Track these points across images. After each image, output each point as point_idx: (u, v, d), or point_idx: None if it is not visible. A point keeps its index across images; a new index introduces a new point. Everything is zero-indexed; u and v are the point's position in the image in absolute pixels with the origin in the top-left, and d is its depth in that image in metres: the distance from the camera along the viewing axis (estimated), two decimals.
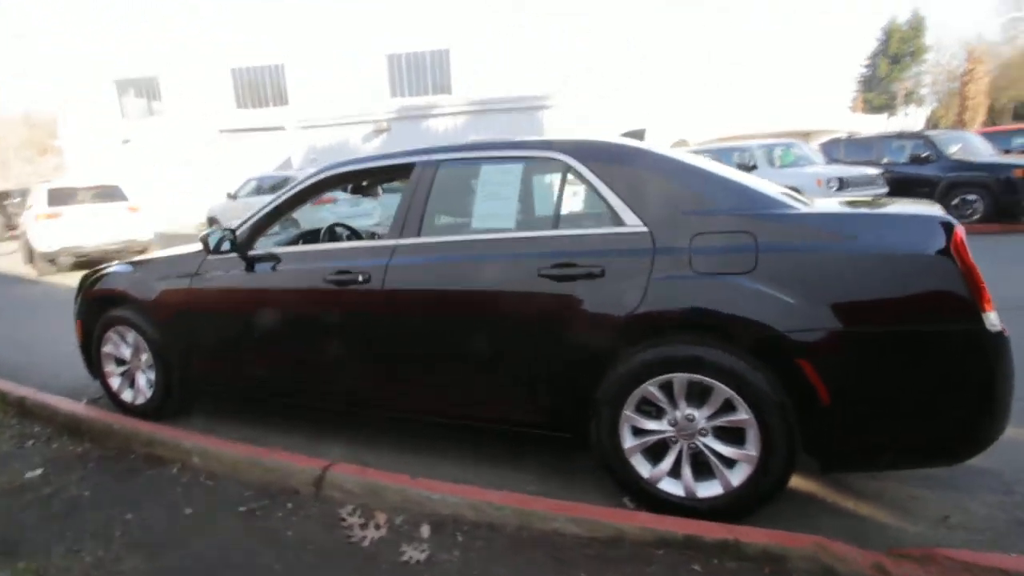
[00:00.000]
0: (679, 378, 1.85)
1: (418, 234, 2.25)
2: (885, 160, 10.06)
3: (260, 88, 20.43)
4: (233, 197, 11.79)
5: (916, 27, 48.20)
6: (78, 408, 3.00)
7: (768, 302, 1.71)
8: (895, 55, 48.61)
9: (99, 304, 3.06)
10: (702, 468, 1.91)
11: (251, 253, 2.61)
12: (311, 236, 3.03)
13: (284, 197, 2.61)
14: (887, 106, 46.65)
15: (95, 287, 3.07)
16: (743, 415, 1.78)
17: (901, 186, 9.06)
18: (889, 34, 48.89)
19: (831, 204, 2.07)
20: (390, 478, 2.10)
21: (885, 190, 8.72)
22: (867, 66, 51.39)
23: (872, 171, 8.77)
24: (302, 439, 2.72)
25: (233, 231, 2.59)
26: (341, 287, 2.30)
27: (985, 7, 51.09)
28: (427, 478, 2.13)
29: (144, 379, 3.02)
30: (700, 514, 1.87)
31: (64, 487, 2.34)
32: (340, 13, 18.51)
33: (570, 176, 2.08)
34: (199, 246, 2.88)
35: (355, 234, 3.12)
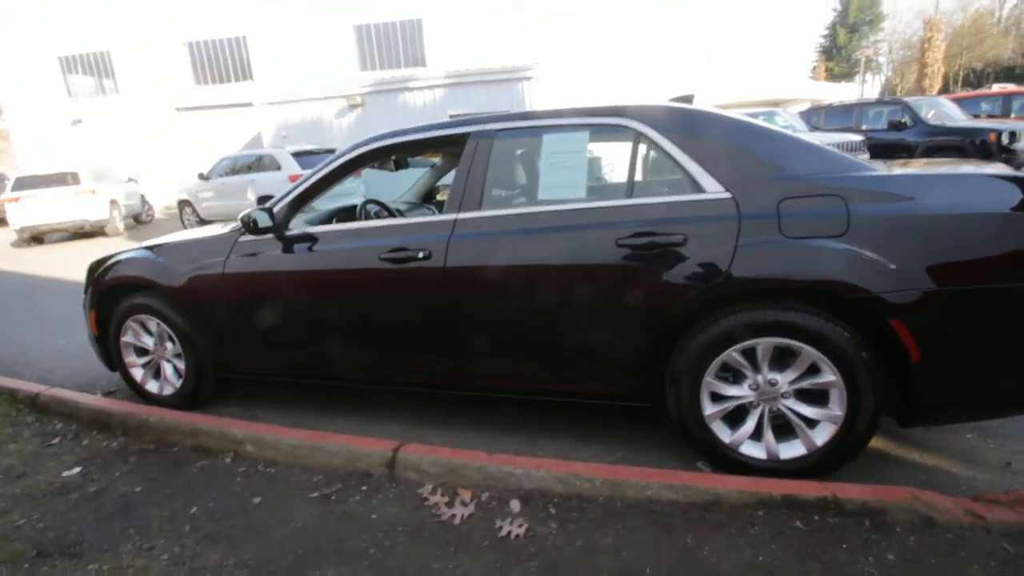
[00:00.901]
0: (764, 343, 1.85)
1: (479, 207, 2.17)
2: (864, 127, 10.30)
3: (220, 63, 19.38)
4: (205, 178, 11.24)
5: None
6: (103, 402, 2.84)
7: (861, 264, 1.72)
8: (853, 24, 49.58)
9: (115, 293, 2.88)
10: (782, 429, 1.95)
11: (289, 233, 2.48)
12: (344, 215, 2.90)
13: (323, 172, 2.48)
14: (847, 74, 47.70)
15: (108, 275, 2.88)
16: (830, 376, 1.80)
17: (881, 151, 9.30)
18: (847, 3, 49.76)
19: (908, 167, 2.08)
20: (467, 455, 2.06)
21: (867, 155, 8.94)
22: (826, 35, 52.24)
23: (856, 137, 8.96)
24: (348, 422, 2.65)
25: (270, 210, 2.45)
26: (399, 264, 2.21)
27: None
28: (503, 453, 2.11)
29: (171, 369, 2.88)
30: (783, 475, 1.90)
31: (111, 484, 2.22)
32: None
33: (642, 143, 2.03)
34: (227, 228, 2.73)
35: (388, 211, 3.00)
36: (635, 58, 22.15)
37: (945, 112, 9.87)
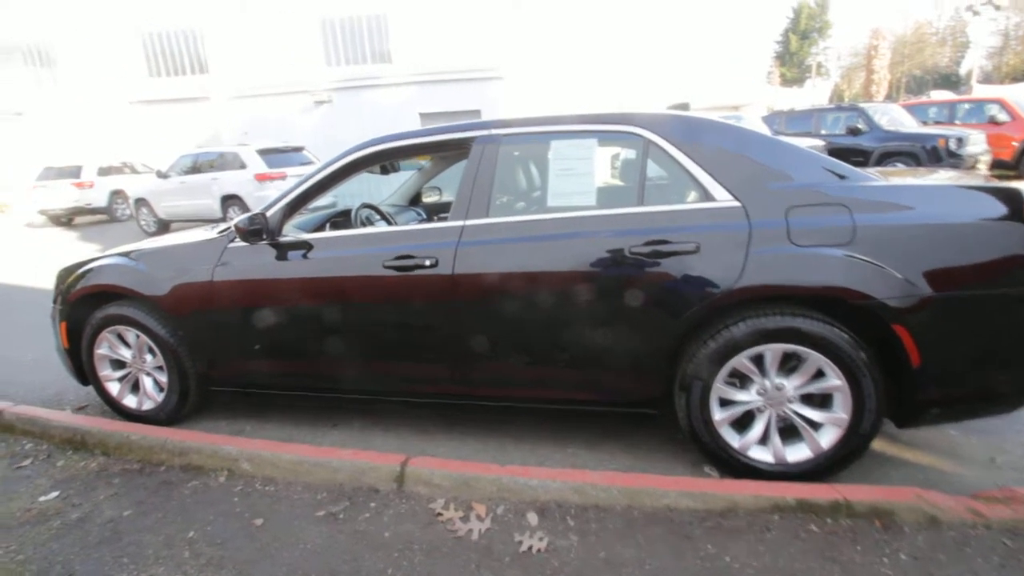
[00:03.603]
0: (773, 349, 1.90)
1: (487, 214, 2.14)
2: (823, 132, 10.73)
3: (175, 55, 18.54)
4: (164, 176, 10.72)
5: (822, 4, 51.46)
6: (77, 419, 2.67)
7: (867, 272, 1.78)
8: (804, 31, 51.74)
9: (88, 302, 2.70)
10: (787, 433, 2.00)
11: (284, 239, 2.39)
12: (337, 220, 2.81)
13: (319, 176, 2.39)
14: (799, 79, 49.72)
15: (81, 283, 2.70)
16: (835, 381, 1.86)
17: (839, 155, 9.67)
18: (798, 11, 51.91)
19: (907, 177, 2.16)
20: (479, 468, 2.03)
21: None
22: (780, 42, 54.35)
23: (818, 142, 9.32)
24: (344, 436, 2.58)
25: (263, 215, 2.35)
26: (404, 272, 2.16)
27: None
28: (514, 464, 2.09)
29: (151, 382, 2.72)
30: (790, 478, 1.96)
31: (95, 509, 2.09)
32: None
33: (651, 151, 2.04)
34: (213, 233, 2.60)
35: (384, 217, 2.92)
36: (600, 61, 22.44)
37: (897, 118, 10.40)
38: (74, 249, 9.30)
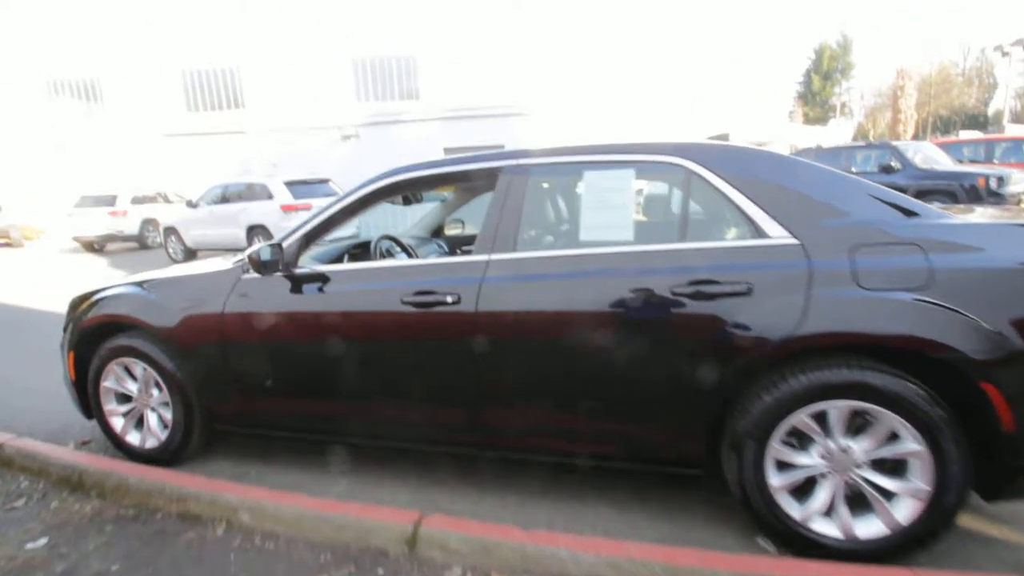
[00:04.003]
0: (839, 406, 1.67)
1: (514, 248, 1.99)
2: (853, 169, 10.48)
3: (213, 91, 19.35)
4: (194, 206, 10.96)
5: (844, 46, 51.94)
6: (76, 456, 2.53)
7: (948, 320, 1.56)
8: (826, 72, 52.07)
9: (97, 332, 2.60)
10: (857, 503, 1.74)
11: (299, 271, 2.27)
12: (356, 252, 2.69)
13: (338, 206, 2.28)
14: (822, 118, 49.74)
15: (92, 312, 2.61)
16: (913, 445, 1.62)
17: None
18: (820, 53, 52.40)
19: (983, 215, 1.95)
20: (501, 532, 1.81)
21: None
22: (801, 82, 54.73)
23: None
24: (353, 483, 2.38)
25: (279, 246, 2.24)
26: (424, 309, 2.00)
27: (907, 28, 55.40)
28: (536, 528, 1.86)
29: (155, 419, 2.58)
30: (860, 557, 1.69)
31: (82, 560, 1.92)
32: (301, 16, 17.80)
33: (694, 183, 1.88)
34: (228, 263, 2.50)
35: (404, 249, 2.80)
36: (624, 96, 22.74)
37: (932, 156, 10.12)
38: (101, 274, 9.47)
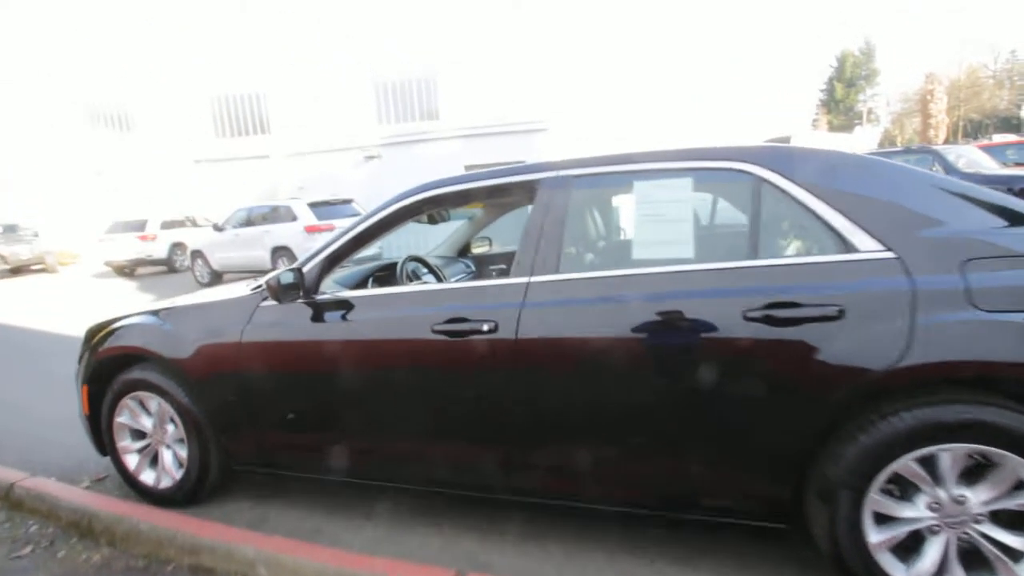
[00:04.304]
0: (953, 449, 1.39)
1: (557, 269, 1.77)
2: None
3: (240, 117, 19.85)
4: (220, 229, 11.07)
5: (868, 53, 51.10)
6: (87, 499, 2.38)
7: None
8: (849, 79, 51.21)
9: (112, 364, 2.46)
10: (973, 562, 1.45)
11: (321, 297, 2.09)
12: (381, 274, 2.51)
13: (361, 226, 2.10)
14: (847, 126, 48.79)
15: (106, 343, 2.47)
16: None
17: None
18: (842, 60, 51.64)
19: None
20: None
21: None
22: (824, 90, 53.92)
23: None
24: (379, 529, 2.15)
25: (299, 270, 2.07)
26: (457, 338, 1.79)
27: (934, 32, 54.34)
28: None
29: (171, 456, 2.42)
30: None
31: None
32: (325, 41, 18.19)
33: (765, 191, 1.64)
34: (247, 290, 2.34)
35: (432, 271, 2.61)
36: (644, 107, 22.57)
37: (975, 160, 9.64)
38: (129, 298, 9.56)
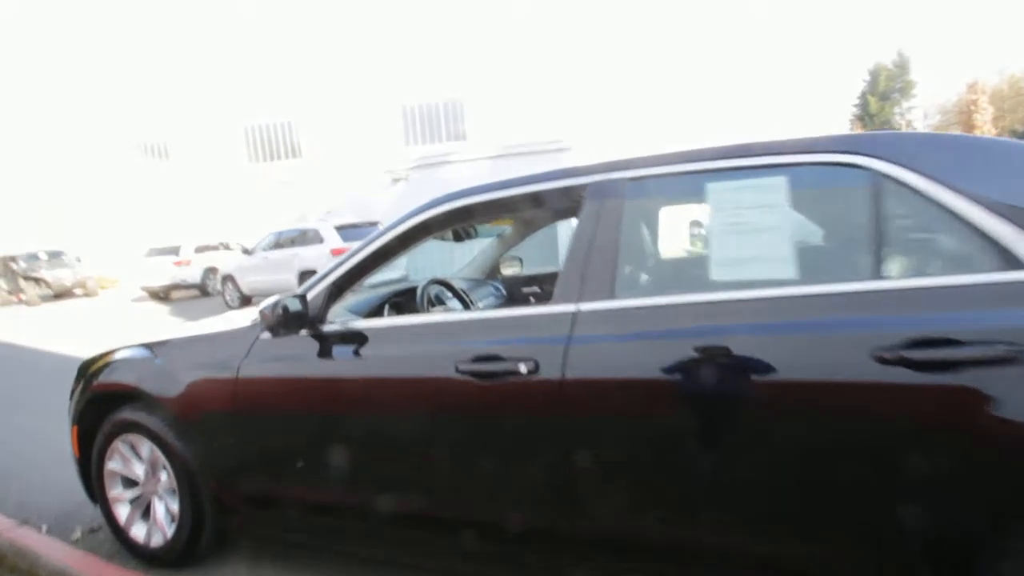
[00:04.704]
0: None
1: (611, 294, 1.41)
2: None
3: (272, 143, 20.32)
4: (249, 252, 11.11)
5: (902, 66, 49.60)
6: (69, 558, 2.09)
7: None
8: (883, 92, 49.78)
9: (102, 403, 2.20)
10: None
11: (328, 328, 1.78)
12: (399, 299, 2.20)
13: (375, 245, 1.79)
14: None
15: (97, 379, 2.22)
16: None
17: None
18: (875, 74, 50.26)
19: None
20: None
21: None
22: (858, 104, 52.68)
23: None
24: None
25: (302, 298, 1.77)
26: (488, 380, 1.45)
27: (971, 42, 52.69)
28: None
29: (163, 509, 2.12)
30: None
31: None
32: (354, 68, 18.55)
33: (888, 191, 1.26)
34: (245, 321, 2.05)
35: (458, 296, 2.29)
36: (671, 128, 22.20)
37: None
38: (160, 322, 9.58)
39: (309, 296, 1.78)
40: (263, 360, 1.84)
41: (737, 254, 1.34)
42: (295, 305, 1.72)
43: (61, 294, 16.00)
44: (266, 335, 1.87)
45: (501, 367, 1.43)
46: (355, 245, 1.85)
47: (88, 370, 2.31)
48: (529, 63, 17.38)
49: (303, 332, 1.78)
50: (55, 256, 16.67)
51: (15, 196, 19.70)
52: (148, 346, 2.18)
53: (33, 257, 16.14)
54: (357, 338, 1.73)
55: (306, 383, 1.77)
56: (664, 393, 1.31)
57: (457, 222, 1.86)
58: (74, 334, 8.91)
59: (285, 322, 1.71)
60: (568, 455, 1.38)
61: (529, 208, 1.91)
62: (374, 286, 2.58)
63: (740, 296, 1.29)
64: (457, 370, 1.48)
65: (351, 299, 2.12)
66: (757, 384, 1.23)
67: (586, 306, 1.42)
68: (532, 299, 2.76)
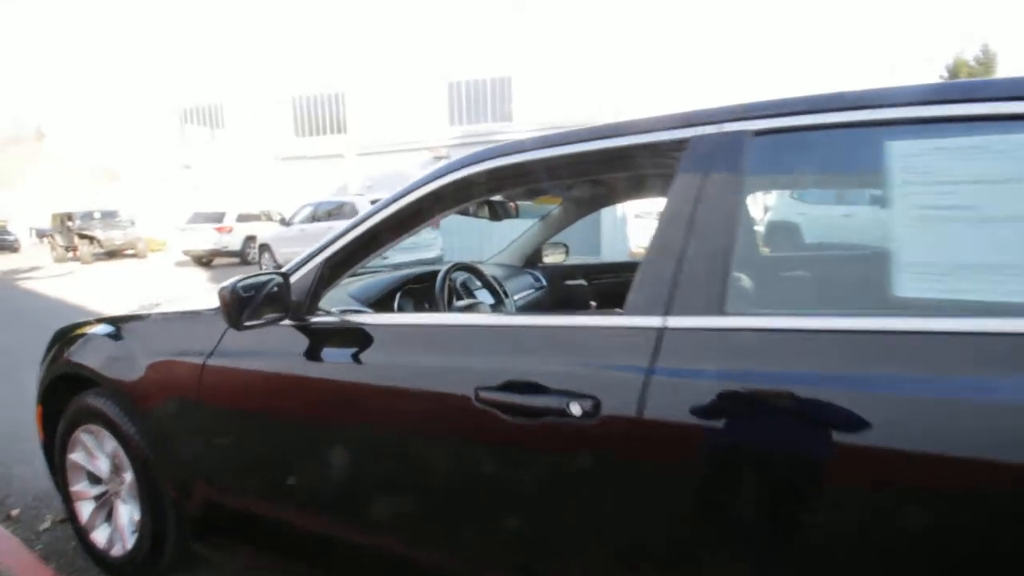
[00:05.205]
0: None
1: (720, 307, 0.91)
2: None
3: (319, 117, 20.27)
4: (287, 224, 11.02)
5: (986, 63, 45.48)
6: (16, 563, 1.78)
7: None
8: None
9: (67, 384, 1.87)
10: None
11: (316, 320, 1.36)
12: (415, 286, 1.75)
13: (382, 215, 1.34)
14: None
15: (64, 354, 1.89)
16: None
17: None
18: (954, 71, 46.25)
19: None
20: None
21: None
22: None
23: None
24: None
25: (284, 280, 1.34)
26: (521, 418, 0.99)
27: None
28: None
29: (126, 513, 1.78)
30: None
31: None
32: (401, 42, 18.19)
33: None
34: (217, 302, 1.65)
35: (489, 285, 1.82)
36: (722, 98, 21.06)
37: None
38: (199, 286, 9.58)
39: (294, 278, 1.36)
40: (235, 353, 1.44)
41: (951, 256, 0.81)
42: (272, 289, 1.29)
43: (112, 253, 16.49)
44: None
45: (541, 402, 0.96)
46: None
47: (60, 340, 1.99)
48: (579, 37, 16.59)
49: (286, 323, 1.36)
50: (109, 216, 17.19)
51: (77, 157, 20.43)
52: (114, 320, 1.83)
53: (88, 216, 16.70)
54: (347, 336, 1.30)
55: (276, 384, 1.36)
56: (811, 479, 0.81)
57: (495, 189, 1.39)
58: (114, 295, 8.99)
59: (247, 310, 1.26)
60: (638, 542, 0.92)
61: (595, 171, 1.37)
62: (396, 266, 2.16)
63: (955, 326, 0.77)
64: (478, 398, 1.03)
65: (354, 285, 1.70)
66: (986, 449, 0.72)
67: (679, 322, 0.93)
68: (585, 299, 2.23)
